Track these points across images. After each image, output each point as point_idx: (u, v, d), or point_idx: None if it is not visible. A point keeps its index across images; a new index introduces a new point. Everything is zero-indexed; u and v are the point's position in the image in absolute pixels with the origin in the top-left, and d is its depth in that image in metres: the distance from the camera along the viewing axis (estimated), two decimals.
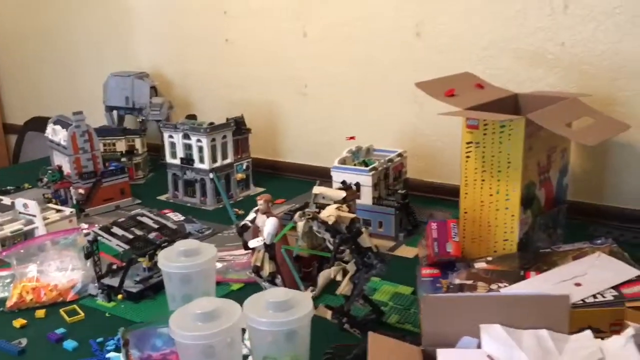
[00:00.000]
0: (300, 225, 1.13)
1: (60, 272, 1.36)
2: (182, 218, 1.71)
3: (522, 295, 0.89)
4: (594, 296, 1.03)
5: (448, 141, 1.75)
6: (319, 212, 1.13)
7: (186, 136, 1.82)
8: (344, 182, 1.53)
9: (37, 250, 1.41)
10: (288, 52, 2.01)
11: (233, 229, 1.30)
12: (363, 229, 1.10)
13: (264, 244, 1.22)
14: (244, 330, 1.00)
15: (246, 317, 0.94)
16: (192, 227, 1.65)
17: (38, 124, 2.60)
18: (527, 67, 1.61)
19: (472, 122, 1.26)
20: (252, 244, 1.24)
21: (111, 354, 1.10)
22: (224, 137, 1.84)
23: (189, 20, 2.22)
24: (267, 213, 1.26)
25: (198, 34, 2.21)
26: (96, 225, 1.54)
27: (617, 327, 0.97)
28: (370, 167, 1.56)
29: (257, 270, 1.24)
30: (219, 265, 1.39)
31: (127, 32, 2.41)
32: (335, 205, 1.13)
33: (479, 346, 0.86)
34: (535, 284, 1.10)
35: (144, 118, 2.18)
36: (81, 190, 1.78)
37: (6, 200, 1.67)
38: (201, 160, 1.82)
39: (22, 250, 1.40)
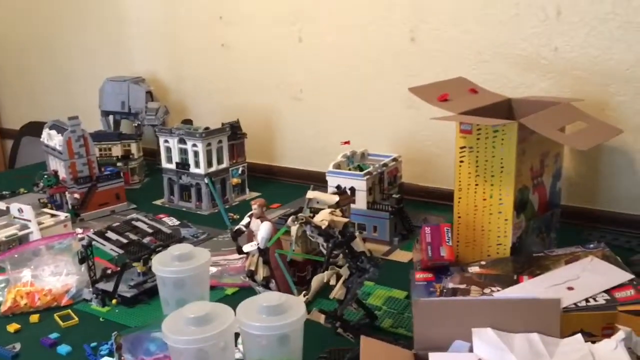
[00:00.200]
0: (294, 229, 1.13)
1: (55, 276, 1.36)
2: (178, 222, 1.72)
3: (513, 299, 0.89)
4: (586, 300, 1.03)
5: (443, 146, 1.76)
6: (312, 217, 1.14)
7: (182, 141, 1.83)
8: (338, 187, 1.54)
9: (32, 255, 1.41)
10: (283, 57, 2.02)
11: (228, 233, 1.31)
12: (356, 233, 1.10)
13: (258, 248, 1.22)
14: (237, 335, 1.00)
15: (239, 321, 0.94)
16: (187, 231, 1.65)
17: (34, 128, 2.60)
18: (521, 72, 1.62)
19: (466, 127, 1.27)
20: (246, 248, 1.24)
21: (105, 359, 1.10)
22: (220, 141, 1.84)
23: (185, 26, 2.23)
24: (261, 217, 1.26)
25: (194, 39, 2.22)
26: (91, 229, 1.54)
27: (609, 331, 0.97)
28: (365, 171, 1.57)
29: (251, 274, 1.24)
30: (213, 269, 1.40)
31: (123, 37, 2.42)
32: (329, 210, 1.13)
33: (471, 350, 0.86)
34: (528, 288, 1.10)
35: (139, 123, 2.18)
36: (76, 195, 1.78)
37: (1, 205, 1.67)
38: (197, 165, 1.82)
39: (16, 255, 1.40)
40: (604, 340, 0.83)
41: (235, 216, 1.69)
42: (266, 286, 1.23)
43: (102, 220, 1.77)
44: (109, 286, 1.31)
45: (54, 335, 1.19)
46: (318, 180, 1.68)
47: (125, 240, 1.35)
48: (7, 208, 1.61)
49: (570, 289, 1.07)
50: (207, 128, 1.82)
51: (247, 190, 1.96)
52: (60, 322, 1.24)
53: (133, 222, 1.44)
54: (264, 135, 2.11)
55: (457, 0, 1.67)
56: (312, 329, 1.06)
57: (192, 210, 1.85)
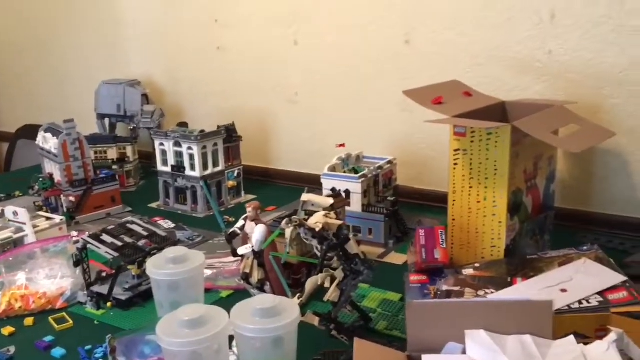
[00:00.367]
0: (288, 232, 1.13)
1: (50, 279, 1.36)
2: (173, 225, 1.72)
3: (506, 301, 0.90)
4: (580, 302, 1.04)
5: (438, 149, 1.76)
6: (307, 219, 1.14)
7: (177, 144, 1.83)
8: (333, 189, 1.54)
9: (27, 258, 1.41)
10: (279, 60, 2.02)
11: (223, 236, 1.31)
12: (350, 236, 1.10)
13: (253, 251, 1.22)
14: (232, 338, 1.00)
15: (233, 323, 0.94)
16: (183, 234, 1.65)
17: (30, 131, 2.60)
18: (515, 75, 1.63)
19: (460, 129, 1.27)
20: (240, 251, 1.24)
21: None
22: (215, 144, 1.85)
23: (180, 29, 2.23)
24: (256, 220, 1.26)
25: (189, 42, 2.22)
26: (86, 232, 1.54)
27: (602, 333, 0.97)
28: (360, 174, 1.57)
29: (246, 277, 1.24)
30: (208, 272, 1.40)
31: (118, 40, 2.42)
32: (323, 212, 1.14)
33: (464, 352, 0.87)
34: (521, 290, 1.10)
35: (135, 126, 2.18)
36: (72, 198, 1.78)
37: None
38: (192, 167, 1.82)
39: (11, 258, 1.40)
40: (596, 342, 0.84)
41: (230, 219, 1.70)
42: (261, 289, 1.23)
43: (97, 223, 1.77)
44: (103, 289, 1.31)
45: (48, 339, 1.19)
46: (314, 183, 1.68)
47: (120, 243, 1.36)
48: (2, 211, 1.61)
49: (563, 291, 1.07)
50: (202, 131, 1.82)
51: (242, 193, 1.97)
52: (55, 325, 1.24)
53: (128, 225, 1.44)
54: (259, 138, 2.11)
55: (452, 4, 1.68)
56: (306, 332, 1.06)
57: (187, 213, 1.85)
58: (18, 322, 1.26)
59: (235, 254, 1.26)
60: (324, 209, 1.20)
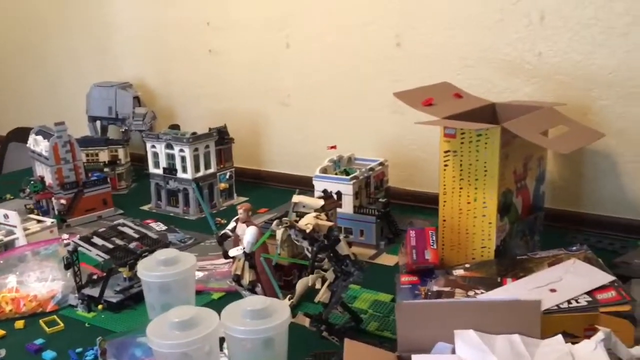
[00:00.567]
0: (279, 233, 1.14)
1: (40, 282, 1.36)
2: (165, 228, 1.72)
3: (495, 301, 0.90)
4: (569, 302, 1.04)
5: (429, 150, 1.77)
6: (298, 221, 1.14)
7: (169, 146, 1.83)
8: (325, 191, 1.54)
9: (17, 260, 1.41)
10: (271, 63, 2.03)
11: (215, 238, 1.31)
12: (341, 237, 1.11)
13: (244, 252, 1.22)
14: (223, 340, 1.00)
15: (224, 325, 0.94)
16: (175, 236, 1.65)
17: (21, 134, 2.59)
18: (505, 77, 1.64)
19: (450, 131, 1.28)
20: (232, 252, 1.24)
21: None
22: (207, 146, 1.85)
23: (172, 31, 2.23)
24: (247, 222, 1.27)
25: (181, 45, 2.22)
26: (77, 235, 1.53)
27: (591, 332, 0.98)
28: (352, 176, 1.58)
29: (237, 279, 1.25)
30: (200, 274, 1.40)
31: (110, 42, 2.42)
32: (314, 214, 1.14)
33: (453, 351, 0.87)
34: (511, 291, 1.11)
35: (127, 128, 2.18)
36: (63, 201, 1.78)
37: None
38: (184, 170, 1.82)
39: (1, 261, 1.40)
40: (583, 341, 0.85)
41: (222, 221, 1.70)
42: (252, 290, 1.23)
43: (88, 226, 1.77)
44: (94, 292, 1.31)
45: (39, 341, 1.18)
46: (305, 185, 1.69)
47: (111, 246, 1.35)
48: None
49: (552, 290, 1.08)
50: (194, 133, 1.82)
51: (234, 195, 1.97)
52: (46, 328, 1.23)
53: (119, 228, 1.44)
54: (251, 140, 2.12)
55: (442, 6, 1.69)
56: (297, 333, 1.06)
57: (179, 216, 1.85)
58: (9, 325, 1.25)
59: (226, 256, 1.26)
60: (315, 211, 1.20)
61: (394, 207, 1.65)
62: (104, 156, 2.08)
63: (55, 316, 1.28)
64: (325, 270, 1.12)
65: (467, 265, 1.25)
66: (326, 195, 1.47)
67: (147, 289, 1.17)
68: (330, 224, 1.11)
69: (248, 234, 1.22)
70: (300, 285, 1.16)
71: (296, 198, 1.28)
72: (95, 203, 1.84)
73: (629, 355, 0.86)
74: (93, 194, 1.83)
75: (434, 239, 1.24)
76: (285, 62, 2.00)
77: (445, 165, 1.30)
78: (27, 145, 1.91)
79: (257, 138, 2.12)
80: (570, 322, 1.01)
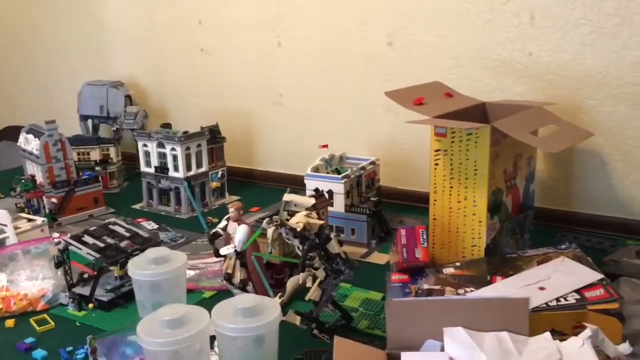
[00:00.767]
0: (270, 232, 1.14)
1: (31, 281, 1.35)
2: (156, 226, 1.71)
3: (483, 299, 0.91)
4: (557, 300, 1.05)
5: (420, 149, 1.78)
6: (289, 219, 1.15)
7: (161, 145, 1.83)
8: (316, 190, 1.55)
9: (8, 259, 1.40)
10: (263, 62, 2.03)
11: (206, 237, 1.31)
12: (332, 236, 1.11)
13: (235, 251, 1.23)
14: (214, 338, 1.00)
15: (214, 323, 0.94)
16: (166, 235, 1.65)
17: (12, 133, 2.58)
18: (496, 77, 1.64)
19: (440, 130, 1.28)
20: (223, 251, 1.25)
21: None
22: (199, 145, 1.85)
23: (164, 30, 2.23)
24: (238, 220, 1.27)
25: (173, 44, 2.22)
26: (68, 234, 1.53)
27: (579, 330, 0.98)
28: (343, 174, 1.58)
29: (228, 277, 1.25)
30: (191, 273, 1.40)
31: (102, 41, 2.41)
32: (305, 212, 1.14)
33: (442, 349, 0.88)
34: (500, 289, 1.11)
35: (118, 127, 2.17)
36: (54, 200, 1.77)
37: None
38: (176, 168, 1.82)
39: None
40: (571, 338, 0.85)
41: (214, 220, 1.70)
42: (243, 289, 1.23)
43: (80, 224, 1.76)
44: (85, 290, 1.31)
45: (29, 340, 1.18)
46: (297, 184, 1.69)
47: (102, 244, 1.35)
48: None
49: (541, 289, 1.09)
50: (186, 132, 1.82)
51: (226, 194, 1.97)
52: (36, 327, 1.23)
53: (110, 226, 1.44)
54: (243, 139, 2.12)
55: (433, 6, 1.70)
56: (288, 331, 1.07)
57: (171, 214, 1.85)
58: None
59: (217, 254, 1.26)
60: (306, 209, 1.20)
61: (385, 206, 1.65)
62: (95, 155, 2.07)
63: (45, 315, 1.28)
64: (316, 269, 1.12)
65: (458, 264, 1.26)
66: (317, 194, 1.48)
67: (137, 287, 1.17)
68: (321, 222, 1.12)
69: (239, 232, 1.22)
70: (291, 283, 1.17)
71: (287, 197, 1.28)
72: (87, 202, 1.84)
73: (616, 352, 0.87)
74: (84, 192, 1.83)
75: (425, 237, 1.25)
76: (277, 61, 2.00)
77: (436, 164, 1.31)
78: (18, 143, 1.90)
79: (249, 137, 2.12)
80: (559, 320, 1.01)
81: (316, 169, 1.63)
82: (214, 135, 1.90)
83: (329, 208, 1.52)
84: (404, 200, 1.82)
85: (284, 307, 1.17)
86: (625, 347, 0.87)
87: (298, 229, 1.09)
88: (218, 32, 2.10)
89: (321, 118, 1.96)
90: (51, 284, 1.34)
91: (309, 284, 1.13)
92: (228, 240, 1.28)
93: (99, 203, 1.87)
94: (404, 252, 1.23)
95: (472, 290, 1.14)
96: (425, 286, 1.18)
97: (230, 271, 1.24)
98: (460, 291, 1.14)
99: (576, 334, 0.91)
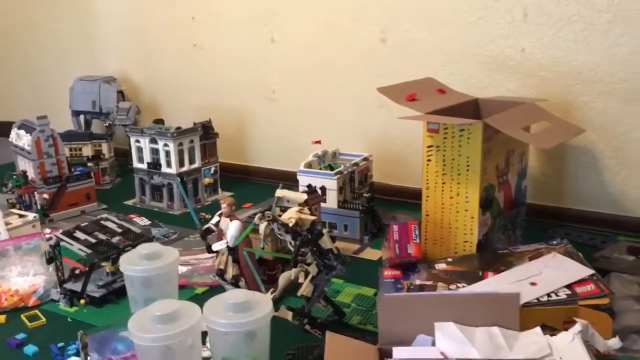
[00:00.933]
0: (262, 227, 1.14)
1: (22, 277, 1.35)
2: (148, 222, 1.71)
3: (474, 294, 0.91)
4: (548, 295, 1.06)
5: (413, 145, 1.78)
6: (281, 215, 1.14)
7: (153, 141, 1.82)
8: (309, 186, 1.54)
9: None
10: (256, 58, 2.02)
11: (198, 232, 1.31)
12: (324, 231, 1.11)
13: (228, 247, 1.22)
14: (206, 334, 1.00)
15: (206, 318, 0.94)
16: (159, 231, 1.65)
17: (3, 128, 2.56)
18: (489, 73, 1.65)
19: (433, 126, 1.29)
20: (215, 247, 1.24)
21: (72, 359, 1.10)
22: (191, 141, 1.84)
23: (157, 26, 2.22)
24: (231, 216, 1.27)
25: (166, 39, 2.21)
26: (60, 230, 1.52)
27: (570, 325, 0.99)
28: (336, 171, 1.58)
29: (220, 273, 1.25)
30: (183, 269, 1.39)
31: (94, 36, 2.40)
32: (297, 208, 1.14)
33: (434, 344, 0.88)
34: (492, 284, 1.12)
35: (110, 122, 2.17)
36: (45, 195, 1.76)
37: None
38: (168, 164, 1.82)
39: None
40: (561, 333, 0.86)
41: (207, 216, 1.69)
42: (235, 285, 1.23)
43: (71, 220, 1.75)
44: (77, 286, 1.30)
45: (20, 336, 1.18)
46: (290, 180, 1.69)
47: (93, 240, 1.35)
48: None
49: (533, 284, 1.09)
50: (178, 128, 1.82)
51: (219, 190, 1.97)
52: (28, 323, 1.23)
53: (102, 222, 1.43)
54: (236, 135, 2.11)
55: (426, 3, 1.70)
56: (280, 326, 1.07)
57: (163, 210, 1.85)
58: None
59: (209, 250, 1.26)
60: (298, 205, 1.20)
61: (378, 202, 1.66)
62: (87, 151, 2.06)
63: (37, 311, 1.27)
64: (309, 264, 1.12)
65: (450, 260, 1.26)
66: (310, 190, 1.48)
67: (129, 283, 1.16)
68: (313, 217, 1.12)
69: (231, 228, 1.22)
70: (283, 278, 1.17)
71: (279, 192, 1.28)
72: (79, 198, 1.83)
73: (605, 347, 0.87)
74: (76, 188, 1.82)
75: (417, 233, 1.25)
76: (270, 57, 2.00)
77: (429, 160, 1.31)
78: (9, 139, 1.89)
79: (242, 133, 2.12)
80: (550, 315, 1.02)
81: (309, 165, 1.63)
82: (206, 131, 1.89)
83: (322, 204, 1.52)
84: (396, 196, 1.83)
85: (276, 303, 1.17)
86: (615, 342, 0.88)
87: (290, 225, 1.09)
88: (211, 27, 2.10)
89: (314, 114, 1.96)
90: (42, 280, 1.34)
91: (301, 280, 1.13)
92: (220, 236, 1.28)
93: (91, 199, 1.86)
94: (397, 248, 1.24)
95: (463, 286, 1.14)
96: (418, 282, 1.18)
97: (222, 267, 1.24)
98: (452, 287, 1.15)
99: (567, 329, 0.92)
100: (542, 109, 1.40)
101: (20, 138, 1.82)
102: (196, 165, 1.87)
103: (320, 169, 1.64)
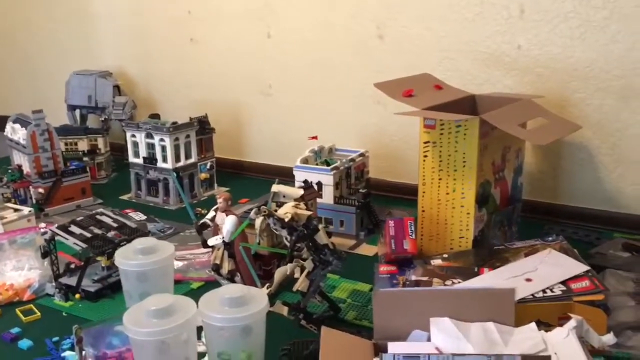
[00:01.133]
0: (257, 222, 1.13)
1: (17, 271, 1.35)
2: (144, 217, 1.71)
3: (470, 290, 0.91)
4: (544, 291, 1.06)
5: (410, 141, 1.78)
6: (277, 210, 1.14)
7: (149, 135, 1.82)
8: (305, 181, 1.54)
9: None
10: (252, 53, 2.02)
11: (194, 227, 1.31)
12: (320, 226, 1.11)
13: (223, 242, 1.22)
14: (201, 329, 1.00)
15: (201, 313, 0.94)
16: (154, 226, 1.65)
17: None
18: (485, 69, 1.65)
19: (429, 122, 1.28)
20: (211, 241, 1.24)
21: (67, 353, 1.10)
22: (188, 136, 1.84)
23: (153, 20, 2.21)
24: (227, 211, 1.26)
25: (162, 34, 2.20)
26: (54, 224, 1.52)
27: (565, 321, 1.00)
28: (332, 166, 1.58)
29: (216, 268, 1.24)
30: (179, 264, 1.39)
31: (90, 30, 2.39)
32: (293, 203, 1.14)
33: (429, 339, 0.88)
34: (487, 280, 1.12)
35: (106, 117, 2.16)
36: (41, 190, 1.76)
37: None
38: (164, 159, 1.81)
39: None
40: (556, 328, 0.86)
41: (203, 211, 1.69)
42: (231, 280, 1.23)
43: (67, 215, 1.75)
44: (72, 281, 1.30)
45: (15, 330, 1.17)
46: (286, 175, 1.69)
47: (89, 235, 1.34)
48: None
49: (528, 280, 1.09)
50: (174, 122, 1.81)
51: (215, 185, 1.96)
52: (22, 317, 1.22)
53: (97, 217, 1.43)
54: (232, 130, 2.11)
55: None
56: (275, 321, 1.07)
57: (159, 205, 1.84)
58: None
59: (205, 245, 1.26)
60: (295, 200, 1.20)
61: (374, 197, 1.66)
62: (83, 145, 2.06)
63: (32, 305, 1.27)
64: (304, 260, 1.12)
65: (445, 255, 1.26)
66: (306, 185, 1.48)
67: (124, 277, 1.16)
68: (309, 213, 1.12)
69: (227, 223, 1.22)
70: (279, 274, 1.16)
71: (275, 187, 1.28)
72: (74, 192, 1.83)
73: (600, 343, 0.87)
74: (72, 183, 1.82)
75: (413, 229, 1.25)
76: (266, 52, 1.99)
77: (425, 156, 1.31)
78: (5, 133, 1.88)
79: (238, 128, 2.11)
80: (545, 311, 1.02)
81: (305, 161, 1.63)
82: (203, 126, 1.89)
83: (318, 200, 1.52)
84: (393, 192, 1.83)
85: (272, 298, 1.17)
86: (609, 338, 0.88)
87: (286, 220, 1.09)
88: (208, 22, 2.09)
89: (311, 109, 1.95)
90: (37, 274, 1.34)
91: (297, 275, 1.13)
92: (216, 231, 1.28)
93: (87, 194, 1.86)
94: (392, 243, 1.24)
95: (459, 282, 1.14)
96: (413, 277, 1.18)
97: (218, 262, 1.24)
98: (448, 282, 1.15)
99: (561, 325, 0.92)
100: (539, 105, 1.40)
101: (16, 132, 1.81)
102: (192, 160, 1.86)
103: (317, 164, 1.64)
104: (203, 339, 1.02)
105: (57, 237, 1.31)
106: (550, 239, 1.25)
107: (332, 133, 1.81)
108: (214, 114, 1.97)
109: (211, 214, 1.29)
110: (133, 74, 2.31)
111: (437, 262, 1.24)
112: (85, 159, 2.03)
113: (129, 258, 1.14)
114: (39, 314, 1.24)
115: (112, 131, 2.21)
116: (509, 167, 1.39)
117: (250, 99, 2.07)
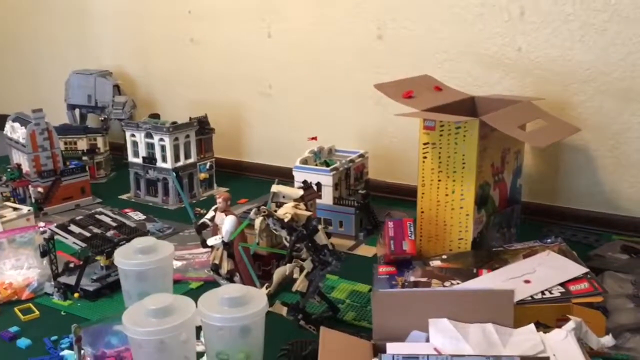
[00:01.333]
0: (257, 222, 1.13)
1: (16, 270, 1.35)
2: (143, 217, 1.71)
3: (469, 291, 0.92)
4: (542, 293, 1.06)
5: (409, 142, 1.78)
6: (276, 210, 1.14)
7: (149, 135, 1.82)
8: (305, 182, 1.54)
9: None
10: (252, 53, 2.02)
11: (193, 227, 1.31)
12: (319, 227, 1.11)
13: (223, 242, 1.22)
14: (200, 329, 1.00)
15: (200, 312, 0.94)
16: (154, 226, 1.64)
17: None
18: (485, 71, 1.65)
19: (429, 123, 1.29)
20: (210, 241, 1.24)
21: (65, 352, 1.10)
22: (187, 136, 1.84)
23: (153, 20, 2.21)
24: (226, 211, 1.26)
25: (162, 33, 2.20)
26: (54, 223, 1.52)
27: (563, 323, 0.99)
28: (332, 167, 1.58)
29: (215, 268, 1.24)
30: (178, 263, 1.39)
31: (90, 29, 2.39)
32: (292, 203, 1.14)
33: (428, 340, 0.88)
34: (486, 281, 1.12)
35: (106, 117, 2.16)
36: (40, 189, 1.76)
37: None
38: (164, 159, 1.81)
39: None
40: (555, 330, 0.86)
41: (202, 211, 1.69)
42: (230, 279, 1.23)
43: (66, 214, 1.75)
44: (71, 280, 1.30)
45: (14, 329, 1.17)
46: (286, 176, 1.69)
47: (88, 234, 1.34)
48: None
49: (527, 282, 1.10)
50: (174, 122, 1.81)
51: (215, 185, 1.96)
52: (21, 316, 1.22)
53: (97, 216, 1.43)
54: (232, 130, 2.11)
55: (424, 0, 1.70)
56: (274, 322, 1.07)
57: (158, 205, 1.84)
58: None
59: (205, 245, 1.26)
60: (294, 200, 1.20)
61: (373, 198, 1.66)
62: (82, 144, 2.06)
63: (30, 304, 1.27)
64: (303, 260, 1.12)
65: (444, 257, 1.26)
66: (306, 186, 1.48)
67: (123, 277, 1.16)
68: (308, 213, 1.12)
69: (227, 223, 1.22)
70: (278, 274, 1.16)
71: (275, 188, 1.28)
72: (73, 191, 1.83)
73: (599, 344, 0.88)
74: (71, 182, 1.82)
75: (412, 230, 1.25)
76: (266, 52, 1.99)
77: (424, 158, 1.31)
78: (4, 132, 1.88)
79: (238, 128, 2.11)
80: (544, 313, 1.02)
81: (305, 161, 1.63)
82: (202, 126, 1.89)
83: (317, 200, 1.52)
84: (392, 193, 1.83)
85: (271, 298, 1.17)
86: (608, 340, 0.88)
87: (286, 220, 1.09)
88: (208, 22, 2.09)
89: (310, 110, 1.96)
90: (36, 273, 1.34)
91: (296, 275, 1.13)
92: (215, 231, 1.28)
93: (86, 193, 1.86)
94: (392, 244, 1.24)
95: (458, 283, 1.15)
96: (412, 278, 1.19)
97: (217, 262, 1.24)
98: (447, 284, 1.15)
99: (560, 327, 0.92)
100: (538, 107, 1.40)
101: (15, 131, 1.81)
102: (192, 160, 1.86)
103: (316, 165, 1.64)
104: (202, 339, 1.02)
105: (56, 236, 1.31)
106: (549, 240, 1.25)
107: (331, 134, 1.81)
108: (214, 114, 1.97)
109: (210, 214, 1.29)
110: (133, 74, 2.31)
111: (436, 263, 1.24)
112: (84, 158, 2.03)
113: (128, 257, 1.14)
114: (37, 313, 1.24)
115: (112, 131, 2.21)
116: (508, 168, 1.39)
117: (250, 99, 2.07)
